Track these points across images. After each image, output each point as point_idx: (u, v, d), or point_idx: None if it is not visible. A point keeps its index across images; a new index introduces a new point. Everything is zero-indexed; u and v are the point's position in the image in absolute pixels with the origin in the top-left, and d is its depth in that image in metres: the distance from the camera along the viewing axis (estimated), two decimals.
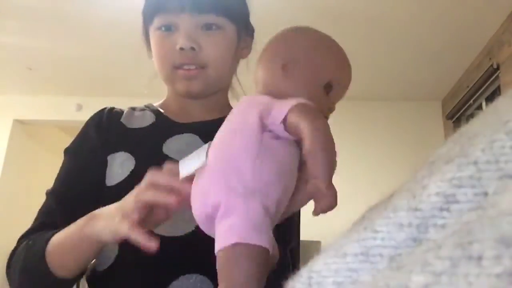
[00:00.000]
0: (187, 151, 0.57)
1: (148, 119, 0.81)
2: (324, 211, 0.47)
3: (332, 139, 0.49)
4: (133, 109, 0.85)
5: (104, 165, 0.76)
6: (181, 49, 0.72)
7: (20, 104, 4.57)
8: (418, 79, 3.78)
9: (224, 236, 0.45)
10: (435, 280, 0.16)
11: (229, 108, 0.83)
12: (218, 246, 0.45)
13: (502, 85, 3.01)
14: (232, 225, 0.45)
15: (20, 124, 4.65)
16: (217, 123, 0.57)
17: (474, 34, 3.10)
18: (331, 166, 0.47)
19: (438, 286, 0.15)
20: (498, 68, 3.03)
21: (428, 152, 0.25)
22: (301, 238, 3.71)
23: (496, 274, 0.14)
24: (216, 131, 0.56)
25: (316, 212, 0.48)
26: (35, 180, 4.98)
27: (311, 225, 3.92)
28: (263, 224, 0.46)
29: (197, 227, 0.52)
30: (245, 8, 0.88)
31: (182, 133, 0.77)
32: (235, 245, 0.44)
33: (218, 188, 0.48)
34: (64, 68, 3.94)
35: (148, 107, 0.86)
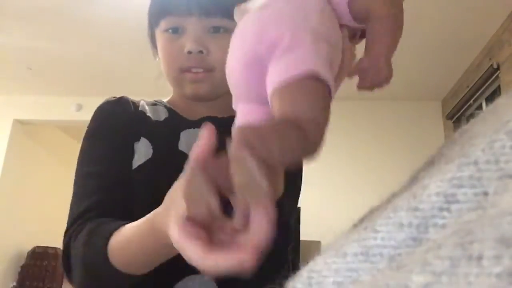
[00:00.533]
0: None
1: (162, 114, 0.81)
2: (377, 85, 0.45)
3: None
4: (145, 102, 0.85)
5: (132, 150, 0.75)
6: (189, 52, 0.73)
7: (20, 104, 4.57)
8: (418, 79, 3.78)
9: (292, 66, 0.38)
10: (435, 280, 0.16)
11: (232, 109, 0.81)
12: (282, 76, 0.38)
13: (502, 85, 3.01)
14: (302, 56, 0.39)
15: (20, 124, 4.65)
16: (228, 120, 0.54)
17: (474, 34, 3.10)
18: (393, 50, 0.46)
19: (438, 286, 0.15)
20: (498, 68, 3.03)
21: (428, 152, 0.25)
22: (301, 238, 3.74)
23: (496, 274, 0.14)
24: (229, 129, 0.49)
25: (366, 84, 0.46)
26: (35, 180, 4.98)
27: (311, 225, 3.91)
28: (330, 66, 0.42)
29: None
30: None
31: (195, 128, 0.77)
32: (307, 75, 0.37)
33: (282, 23, 0.41)
34: (64, 68, 3.94)
35: (160, 103, 0.85)
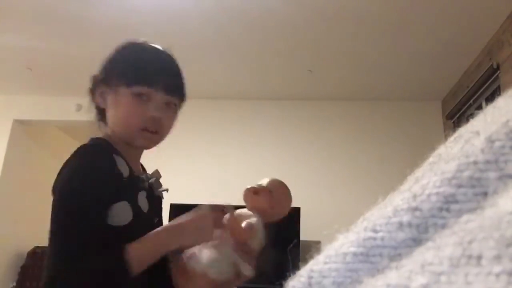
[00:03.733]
0: (144, 205, 0.97)
1: (126, 169, 0.96)
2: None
3: None
4: (110, 152, 0.97)
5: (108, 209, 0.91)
6: (153, 117, 0.95)
7: (20, 104, 4.57)
8: (418, 79, 3.78)
9: None
10: (435, 280, 0.16)
11: None
12: None
13: (502, 85, 3.01)
14: None
15: (20, 124, 4.65)
16: (147, 175, 1.06)
17: (474, 34, 3.10)
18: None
19: (438, 285, 0.15)
20: (498, 68, 3.03)
21: (428, 152, 0.25)
22: (301, 238, 3.74)
23: (495, 273, 0.14)
24: (149, 194, 1.01)
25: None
26: (35, 180, 4.98)
27: (311, 225, 3.91)
28: None
29: None
30: None
31: (141, 190, 0.99)
32: None
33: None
34: (64, 68, 3.94)
35: (115, 152, 0.97)
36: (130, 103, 0.96)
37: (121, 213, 0.89)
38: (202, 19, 3.06)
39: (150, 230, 0.88)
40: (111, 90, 0.99)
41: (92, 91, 1.05)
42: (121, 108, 0.97)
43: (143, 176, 1.03)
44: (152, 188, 1.03)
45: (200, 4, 2.92)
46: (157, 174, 1.07)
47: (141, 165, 1.10)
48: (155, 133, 0.97)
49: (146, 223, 0.95)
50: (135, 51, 1.04)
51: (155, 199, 1.04)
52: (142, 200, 0.97)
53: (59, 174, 0.92)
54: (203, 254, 0.89)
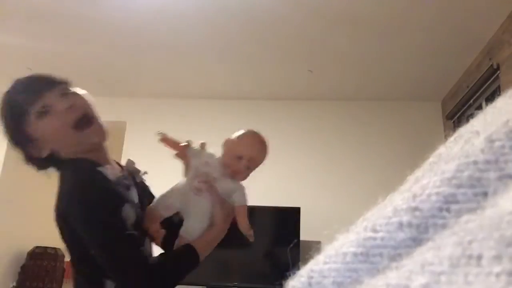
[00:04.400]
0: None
1: (115, 171, 1.06)
2: None
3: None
4: (98, 165, 1.06)
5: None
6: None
7: None
8: (418, 79, 3.78)
9: None
10: (435, 279, 0.16)
11: None
12: None
13: (502, 85, 3.01)
14: None
15: None
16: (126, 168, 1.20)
17: (474, 34, 3.10)
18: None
19: (438, 285, 0.15)
20: (498, 68, 3.03)
21: (428, 152, 0.25)
22: (301, 238, 3.73)
23: (495, 273, 0.14)
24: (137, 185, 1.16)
25: None
26: (35, 180, 4.97)
27: (311, 225, 3.90)
28: None
29: None
30: None
31: (130, 187, 1.10)
32: None
33: None
34: (64, 68, 3.94)
35: (96, 164, 1.07)
36: None
37: (129, 215, 0.97)
38: (202, 20, 3.06)
39: (142, 216, 1.01)
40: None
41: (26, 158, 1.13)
42: None
43: (124, 173, 1.09)
44: (134, 177, 1.11)
45: (200, 5, 2.91)
46: (130, 163, 1.16)
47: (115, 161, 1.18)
48: None
49: (139, 212, 1.03)
50: None
51: (139, 185, 1.12)
52: (133, 194, 1.05)
53: (60, 205, 0.99)
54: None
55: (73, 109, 1.01)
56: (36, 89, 1.00)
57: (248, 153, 1.11)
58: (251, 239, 1.04)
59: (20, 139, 1.04)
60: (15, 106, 1.02)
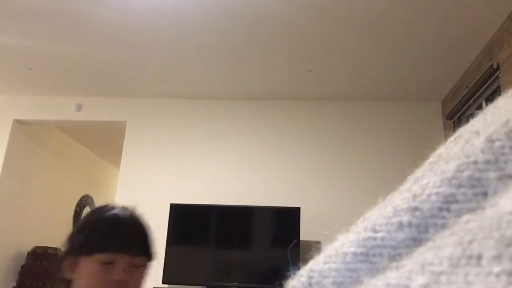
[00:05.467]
0: None
1: None
2: None
3: None
4: None
5: None
6: (119, 281, 0.99)
7: (20, 104, 4.57)
8: (418, 79, 3.79)
9: None
10: (435, 279, 0.16)
11: None
12: None
13: (502, 85, 3.01)
14: None
15: (20, 124, 4.65)
16: None
17: (474, 34, 3.10)
18: None
19: (438, 285, 0.15)
20: (498, 68, 3.03)
21: (428, 152, 0.25)
22: (301, 238, 3.74)
23: (495, 273, 0.14)
24: None
25: None
26: (35, 180, 4.98)
27: (311, 225, 3.90)
28: None
29: None
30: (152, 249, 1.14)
31: None
32: None
33: None
34: (64, 68, 3.94)
35: None
36: (94, 271, 1.01)
37: None
38: (202, 20, 3.06)
39: None
40: (76, 260, 1.04)
41: (61, 264, 1.07)
42: (87, 278, 1.02)
43: None
44: None
45: (200, 5, 2.92)
46: None
47: None
48: None
49: None
50: (102, 221, 1.08)
51: None
52: None
53: None
54: None
55: (122, 283, 1.02)
56: (117, 245, 1.04)
57: None
58: None
59: (72, 252, 1.07)
60: (90, 232, 1.09)
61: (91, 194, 6.38)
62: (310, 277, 0.22)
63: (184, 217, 3.75)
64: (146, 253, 1.07)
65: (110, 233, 1.04)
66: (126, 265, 1.01)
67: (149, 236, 1.11)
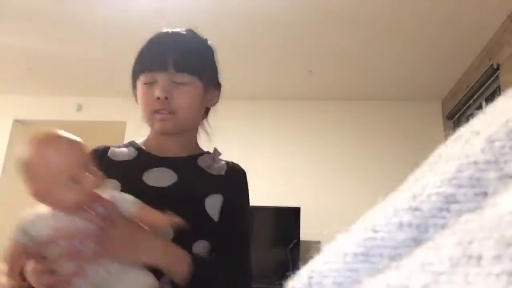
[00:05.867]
0: (161, 181, 0.94)
1: (132, 154, 1.02)
2: None
3: None
4: (118, 147, 1.07)
5: None
6: (158, 98, 0.95)
7: (20, 104, 4.57)
8: (418, 79, 3.78)
9: None
10: (435, 279, 0.16)
11: (197, 146, 1.09)
12: None
13: (502, 85, 3.01)
14: None
15: (20, 124, 4.65)
16: (187, 160, 1.00)
17: (474, 34, 3.10)
18: None
19: (438, 285, 0.15)
20: (498, 68, 3.03)
21: (428, 152, 0.25)
22: (301, 238, 3.73)
23: (495, 273, 0.14)
24: (185, 166, 0.98)
25: None
26: None
27: (311, 225, 3.90)
28: None
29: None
30: (214, 70, 1.08)
31: (158, 166, 0.98)
32: None
33: None
34: (64, 68, 3.94)
35: (132, 144, 1.07)
36: (141, 92, 0.99)
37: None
38: (201, 20, 3.06)
39: (170, 202, 0.81)
40: (135, 85, 1.04)
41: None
42: (139, 100, 1.02)
43: (158, 155, 1.01)
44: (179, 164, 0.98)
45: (200, 5, 2.92)
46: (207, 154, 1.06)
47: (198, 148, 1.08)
48: (168, 113, 0.96)
49: (158, 196, 0.90)
50: (146, 42, 1.04)
51: (190, 172, 0.98)
52: (153, 175, 0.95)
53: None
54: None
55: (163, 100, 0.98)
56: (155, 63, 1.01)
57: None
58: (180, 223, 0.78)
59: (132, 77, 1.06)
60: (137, 56, 1.07)
61: None
62: (310, 277, 0.22)
63: None
64: (189, 70, 0.97)
65: (148, 52, 1.01)
66: (167, 83, 0.96)
67: (198, 53, 1.03)
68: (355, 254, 0.21)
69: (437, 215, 0.19)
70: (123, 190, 0.88)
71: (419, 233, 0.20)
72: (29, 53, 3.70)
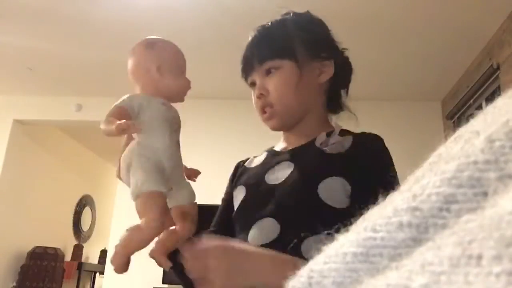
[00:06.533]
0: (280, 176, 0.89)
1: (262, 158, 1.02)
2: None
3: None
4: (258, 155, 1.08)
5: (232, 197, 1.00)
6: (258, 98, 0.94)
7: (20, 104, 4.57)
8: (418, 79, 3.78)
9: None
10: (435, 279, 0.16)
11: (323, 128, 0.99)
12: None
13: (502, 85, 3.01)
14: None
15: (20, 124, 4.65)
16: (306, 145, 0.94)
17: (474, 34, 3.10)
18: None
19: (438, 285, 0.15)
20: (498, 68, 3.03)
21: (428, 152, 0.25)
22: None
23: (495, 273, 0.14)
24: (302, 153, 0.93)
25: None
26: (35, 180, 4.98)
27: None
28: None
29: None
30: (308, 42, 0.99)
31: (280, 163, 0.94)
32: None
33: None
34: (64, 68, 3.94)
35: (268, 150, 1.07)
36: (252, 97, 0.99)
37: (237, 195, 0.96)
38: (202, 19, 3.06)
39: (283, 196, 0.84)
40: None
41: None
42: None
43: (282, 149, 1.00)
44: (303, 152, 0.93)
45: (200, 4, 2.92)
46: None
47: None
48: (270, 109, 0.93)
49: (274, 192, 0.87)
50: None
51: (305, 158, 0.91)
52: (273, 173, 0.91)
53: None
54: None
55: (258, 97, 0.97)
56: (243, 65, 1.01)
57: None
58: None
59: None
60: None
61: (91, 194, 6.38)
62: (310, 277, 0.22)
63: None
64: (268, 56, 0.93)
65: (241, 59, 0.98)
66: (260, 80, 0.93)
67: (277, 35, 0.99)
68: (355, 254, 0.21)
69: (437, 215, 0.19)
70: (248, 195, 0.92)
71: (419, 233, 0.20)
72: (29, 53, 3.70)
